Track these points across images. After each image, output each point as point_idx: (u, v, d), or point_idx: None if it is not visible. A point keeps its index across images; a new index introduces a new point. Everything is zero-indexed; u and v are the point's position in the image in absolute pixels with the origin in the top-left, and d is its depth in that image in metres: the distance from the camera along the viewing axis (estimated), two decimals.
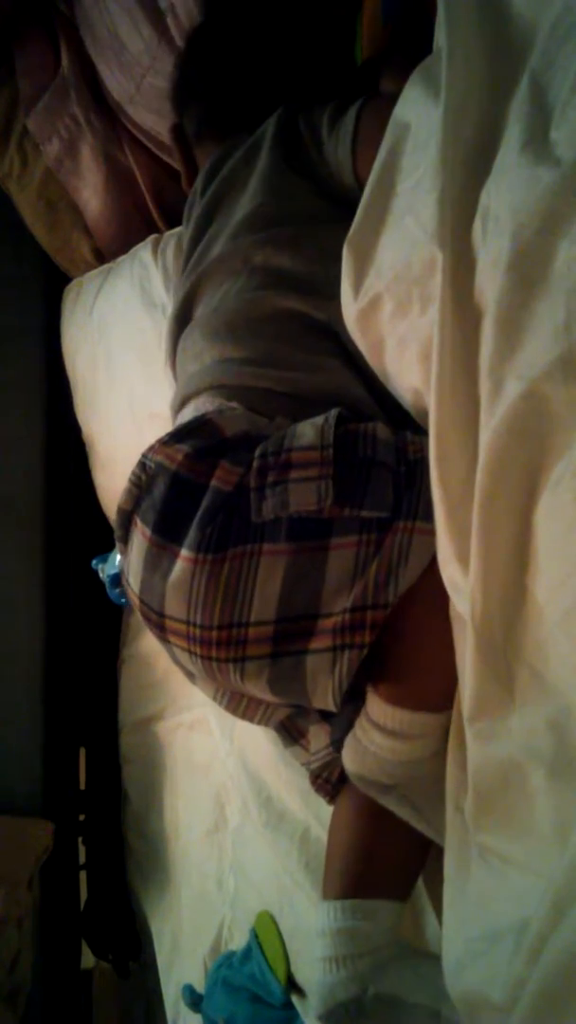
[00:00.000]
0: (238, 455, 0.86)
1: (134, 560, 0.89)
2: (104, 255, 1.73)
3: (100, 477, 1.72)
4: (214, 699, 0.96)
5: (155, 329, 1.49)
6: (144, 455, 0.92)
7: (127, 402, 1.56)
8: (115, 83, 1.57)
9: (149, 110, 1.54)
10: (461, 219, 0.72)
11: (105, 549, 1.51)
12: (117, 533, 0.93)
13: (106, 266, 1.70)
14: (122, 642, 1.75)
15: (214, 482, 0.85)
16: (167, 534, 0.85)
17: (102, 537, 1.65)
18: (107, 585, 1.34)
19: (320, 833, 1.10)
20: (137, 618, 1.60)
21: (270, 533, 0.82)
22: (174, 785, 1.51)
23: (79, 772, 1.77)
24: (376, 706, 0.84)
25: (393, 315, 0.80)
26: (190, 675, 0.94)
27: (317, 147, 1.02)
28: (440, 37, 0.79)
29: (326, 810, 1.01)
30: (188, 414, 0.99)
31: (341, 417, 0.86)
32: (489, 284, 0.68)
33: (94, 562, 1.38)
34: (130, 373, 1.55)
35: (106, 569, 1.35)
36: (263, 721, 0.97)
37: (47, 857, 1.58)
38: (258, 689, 0.85)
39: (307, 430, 0.85)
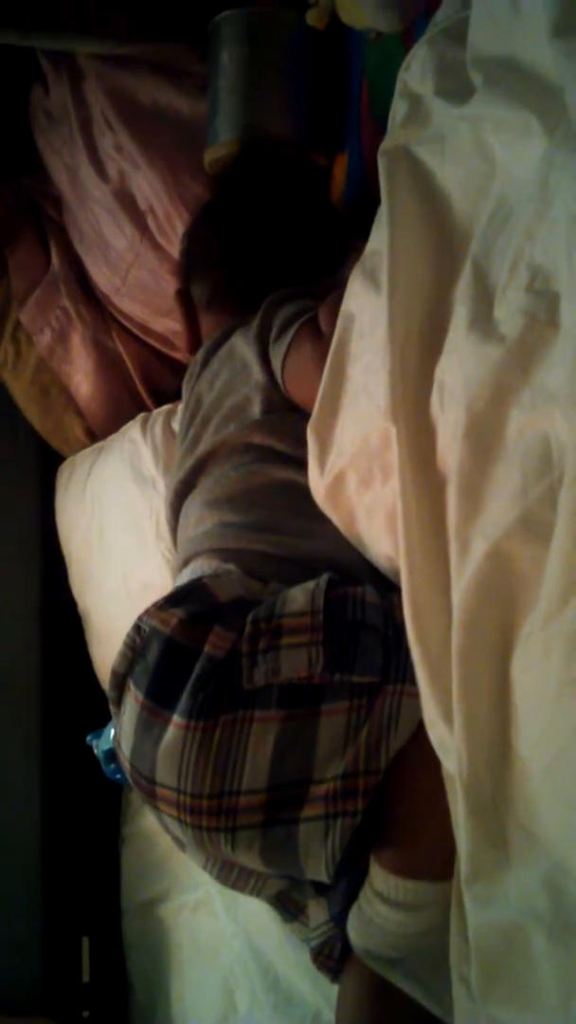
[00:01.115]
0: (231, 620, 0.87)
1: (126, 724, 0.89)
2: (96, 434, 1.80)
3: (96, 651, 1.72)
4: (204, 868, 0.94)
5: (146, 504, 1.53)
6: (139, 618, 0.93)
7: (121, 576, 1.58)
8: (102, 277, 1.68)
9: (134, 300, 1.65)
10: (417, 393, 0.77)
11: (102, 723, 1.49)
12: (110, 695, 0.93)
13: (97, 445, 1.75)
14: (122, 820, 1.70)
15: (207, 648, 0.86)
16: (159, 699, 0.86)
17: (99, 712, 1.64)
18: (102, 761, 1.32)
19: (331, 1017, 1.04)
20: (137, 794, 1.57)
21: (261, 700, 0.83)
22: (181, 972, 1.44)
23: (82, 963, 1.69)
24: (378, 876, 0.82)
25: (358, 488, 0.84)
26: (180, 844, 0.93)
27: (268, 350, 1.07)
28: (382, 229, 0.85)
29: (336, 992, 0.96)
30: (187, 576, 1.01)
31: (331, 582, 0.88)
32: (450, 452, 0.72)
33: (89, 738, 1.37)
34: (123, 546, 1.58)
35: (101, 745, 1.33)
36: (254, 892, 0.95)
37: None
38: (249, 859, 0.84)
39: (298, 595, 0.87)
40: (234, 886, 0.94)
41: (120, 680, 0.91)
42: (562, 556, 0.60)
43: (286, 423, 1.03)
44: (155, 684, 0.87)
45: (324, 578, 0.88)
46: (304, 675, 0.82)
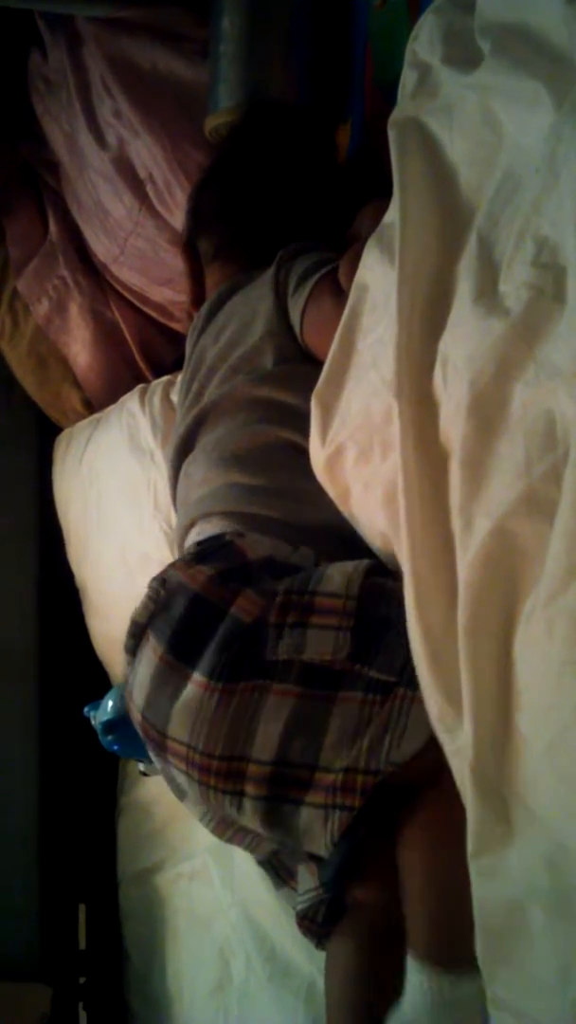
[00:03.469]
0: (262, 585, 0.87)
1: (141, 674, 0.89)
2: (93, 405, 1.79)
3: (94, 622, 1.72)
4: (200, 820, 0.94)
5: (144, 476, 1.53)
6: (165, 571, 0.92)
7: (119, 547, 1.58)
8: (100, 246, 1.66)
9: (133, 269, 1.63)
10: (420, 368, 0.76)
11: (100, 695, 1.50)
12: (126, 644, 0.93)
13: (95, 416, 1.75)
14: (119, 790, 1.71)
15: (234, 610, 0.85)
16: (180, 655, 0.86)
17: (97, 683, 1.64)
18: (99, 733, 1.32)
19: None
20: (133, 765, 1.57)
21: (282, 673, 0.82)
22: (176, 941, 1.45)
23: (78, 931, 1.71)
24: (420, 976, 0.76)
25: (356, 462, 0.84)
26: (180, 793, 0.93)
27: (286, 301, 1.07)
28: (394, 202, 0.84)
29: None
30: (197, 536, 0.99)
31: (371, 568, 0.87)
32: (453, 428, 0.71)
33: (86, 709, 1.37)
34: (121, 519, 1.58)
35: (98, 716, 1.33)
36: (249, 849, 0.96)
37: None
38: (251, 824, 0.85)
39: (335, 575, 0.86)
40: (230, 840, 0.95)
41: (139, 630, 0.91)
42: (566, 535, 0.60)
43: (299, 373, 1.02)
44: (176, 639, 0.86)
45: (364, 563, 0.87)
46: (328, 658, 0.81)
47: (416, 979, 0.76)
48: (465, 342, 0.72)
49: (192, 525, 1.03)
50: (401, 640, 0.80)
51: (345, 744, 0.80)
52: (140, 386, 1.65)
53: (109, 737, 1.32)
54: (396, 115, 0.90)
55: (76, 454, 1.73)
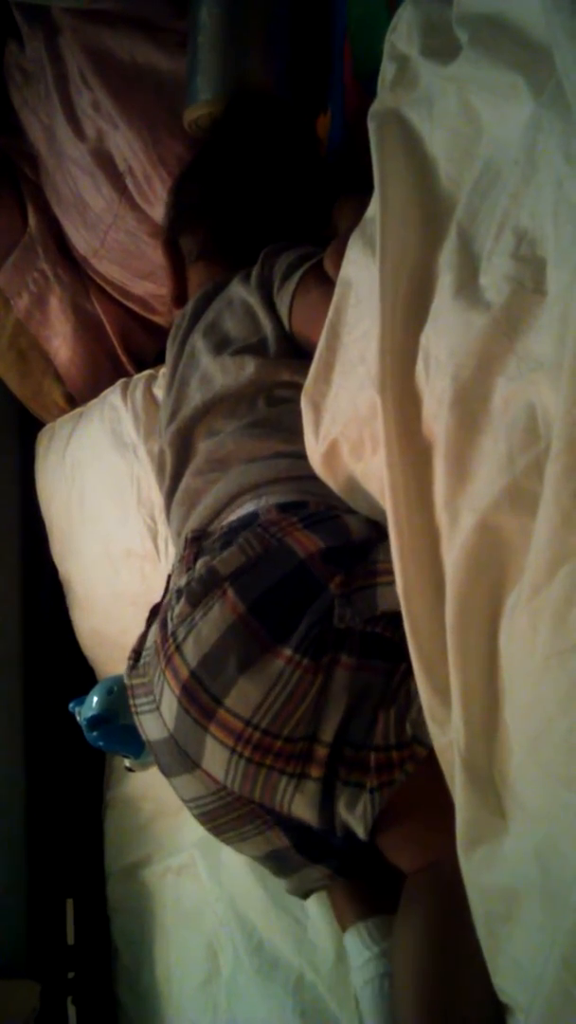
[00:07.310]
0: (354, 569, 0.84)
1: (206, 629, 0.82)
2: (75, 400, 1.78)
3: (79, 617, 1.72)
4: (191, 800, 0.89)
5: (127, 470, 1.52)
6: (264, 527, 0.87)
7: (102, 542, 1.57)
8: (80, 239, 1.65)
9: (113, 262, 1.62)
10: (403, 363, 0.76)
11: (85, 690, 1.50)
12: (192, 588, 0.86)
13: (77, 410, 1.74)
14: (105, 785, 1.71)
15: (332, 586, 0.82)
16: (265, 620, 0.81)
17: (82, 678, 1.63)
18: (84, 729, 1.32)
19: (314, 979, 1.06)
20: (120, 760, 1.57)
21: (348, 645, 0.80)
22: (165, 935, 1.45)
23: (66, 926, 1.70)
24: None
25: (350, 456, 0.84)
26: (178, 768, 0.88)
27: (273, 295, 1.07)
28: (375, 195, 0.84)
29: (319, 956, 0.97)
30: (248, 507, 0.94)
31: None
32: (436, 422, 0.71)
33: (71, 705, 1.37)
34: (104, 513, 1.57)
35: (83, 712, 1.33)
36: (239, 839, 0.91)
37: (34, 1020, 1.50)
38: (302, 806, 0.80)
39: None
40: (218, 829, 0.90)
41: (217, 581, 0.84)
42: (548, 528, 0.60)
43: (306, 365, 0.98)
44: (265, 602, 0.81)
45: None
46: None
47: None
48: (447, 336, 0.72)
49: (233, 500, 0.97)
50: None
51: (391, 720, 0.78)
52: (122, 380, 1.64)
53: (94, 733, 1.31)
54: (376, 107, 0.89)
55: (58, 449, 1.72)
